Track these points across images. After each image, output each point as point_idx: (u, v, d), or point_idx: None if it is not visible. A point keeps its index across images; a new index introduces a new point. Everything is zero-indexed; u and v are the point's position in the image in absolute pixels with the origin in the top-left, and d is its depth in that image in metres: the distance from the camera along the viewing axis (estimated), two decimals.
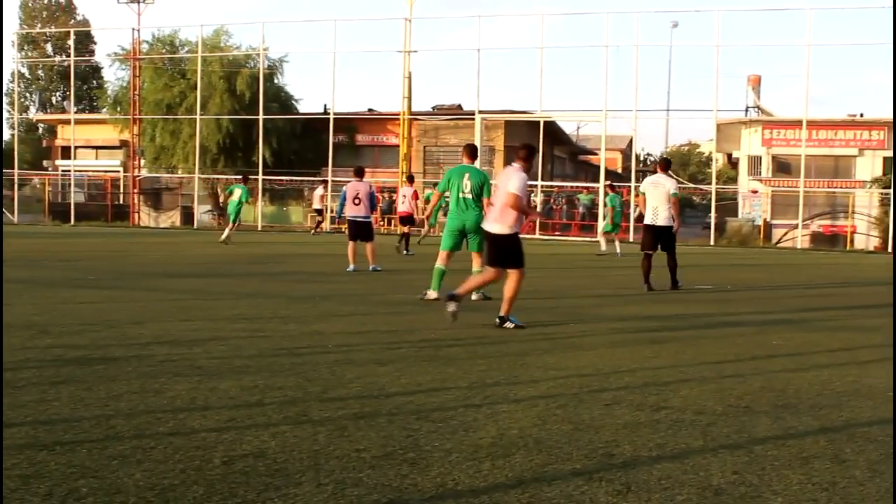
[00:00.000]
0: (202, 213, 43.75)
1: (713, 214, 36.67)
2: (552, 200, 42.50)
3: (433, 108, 45.83)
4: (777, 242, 37.68)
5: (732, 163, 51.24)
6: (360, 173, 17.43)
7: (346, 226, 17.44)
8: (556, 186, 44.49)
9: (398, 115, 40.37)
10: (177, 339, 8.18)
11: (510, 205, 9.37)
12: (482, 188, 11.77)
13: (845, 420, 5.67)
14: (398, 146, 40.81)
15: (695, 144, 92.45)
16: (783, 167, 40.80)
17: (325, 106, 43.12)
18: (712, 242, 35.48)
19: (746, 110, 44.87)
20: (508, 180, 9.51)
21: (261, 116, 40.03)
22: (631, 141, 44.48)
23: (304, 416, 5.36)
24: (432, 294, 11.90)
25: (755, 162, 41.35)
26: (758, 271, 19.54)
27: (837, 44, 45.58)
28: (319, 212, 36.24)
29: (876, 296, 15.21)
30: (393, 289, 13.65)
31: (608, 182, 29.59)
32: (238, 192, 26.29)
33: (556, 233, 38.87)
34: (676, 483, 4.26)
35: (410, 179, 27.37)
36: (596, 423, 5.33)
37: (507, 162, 41.74)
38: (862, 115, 41.64)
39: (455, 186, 11.91)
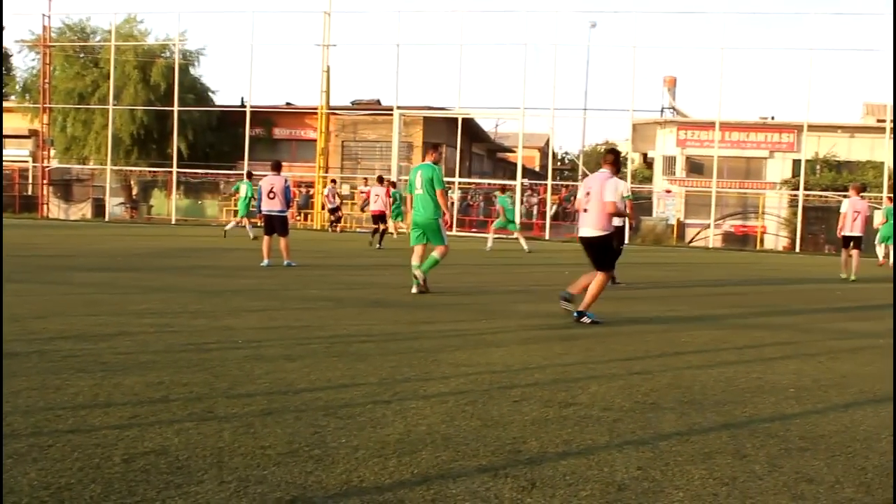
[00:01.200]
0: (114, 205, 42.85)
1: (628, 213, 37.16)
2: (469, 197, 42.64)
3: (352, 103, 45.63)
4: (690, 241, 38.34)
5: (648, 162, 51.99)
6: (276, 167, 17.29)
7: (262, 220, 17.27)
8: (474, 183, 44.65)
9: (316, 109, 40.08)
10: (82, 333, 8.00)
11: (609, 212, 10.20)
12: (432, 182, 12.48)
13: (748, 416, 5.78)
14: (316, 140, 40.53)
15: (611, 144, 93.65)
16: (696, 168, 41.50)
17: (242, 98, 42.66)
18: (626, 241, 35.91)
19: (662, 111, 45.58)
20: (603, 188, 10.12)
21: (175, 108, 39.34)
22: (548, 139, 44.80)
23: (209, 412, 5.29)
24: (415, 289, 12.60)
25: (669, 162, 42.00)
26: (670, 270, 19.86)
27: (750, 48, 46.61)
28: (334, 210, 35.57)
29: (783, 295, 15.58)
30: (306, 284, 13.55)
31: (500, 183, 29.94)
32: (244, 189, 27.13)
33: (473, 229, 38.99)
34: (581, 479, 4.29)
35: (381, 179, 28.25)
36: (504, 420, 5.35)
37: (425, 158, 41.86)
38: (773, 118, 42.56)
39: (412, 185, 12.82)
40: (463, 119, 39.29)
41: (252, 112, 39.48)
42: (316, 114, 40.14)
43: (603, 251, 10.43)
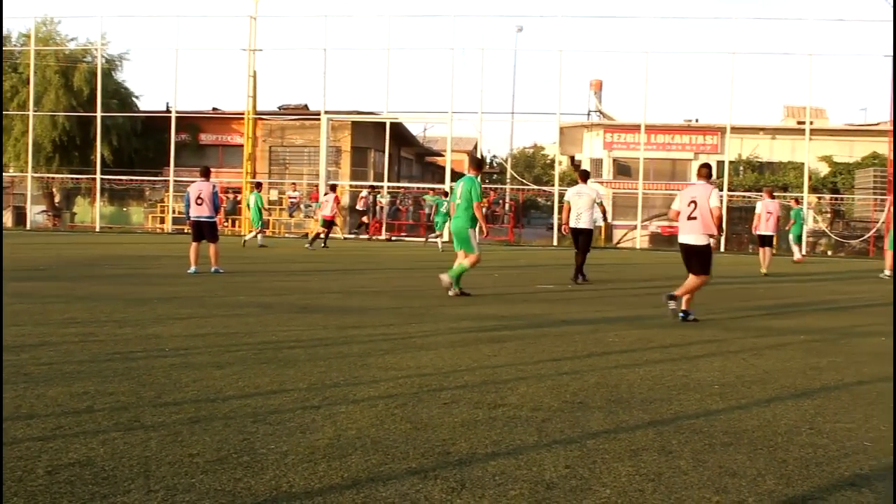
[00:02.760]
0: (35, 213, 41.97)
1: (556, 216, 37.47)
2: (398, 201, 42.62)
3: (279, 108, 45.30)
4: (618, 243, 38.82)
5: (575, 165, 52.48)
6: (205, 173, 17.15)
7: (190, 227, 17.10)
8: (403, 187, 44.65)
9: (243, 114, 39.76)
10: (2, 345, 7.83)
11: (717, 217, 11.04)
12: (470, 193, 13.15)
13: (674, 413, 5.88)
14: (243, 146, 40.20)
15: (539, 147, 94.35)
16: (623, 170, 42.03)
17: (168, 104, 42.11)
18: (555, 243, 36.26)
19: (588, 114, 46.05)
20: (708, 196, 10.97)
21: (98, 113, 38.70)
22: (477, 143, 44.96)
23: (136, 421, 5.22)
24: (453, 290, 13.31)
25: (597, 164, 42.46)
26: (598, 271, 20.02)
27: (675, 51, 47.39)
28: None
29: (707, 294, 15.83)
30: (234, 291, 13.42)
31: (430, 188, 30.31)
32: (253, 199, 28.30)
33: (403, 233, 39.00)
34: (510, 478, 4.33)
35: (333, 187, 30.02)
36: (434, 422, 5.37)
37: (354, 163, 41.75)
38: (697, 121, 43.27)
39: (454, 195, 13.59)
40: (391, 123, 39.32)
41: (177, 117, 39.03)
42: (243, 119, 39.81)
43: (705, 257, 11.25)
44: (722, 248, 35.50)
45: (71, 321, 9.46)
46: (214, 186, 17.02)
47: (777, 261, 22.62)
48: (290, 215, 40.60)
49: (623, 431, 5.33)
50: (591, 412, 5.80)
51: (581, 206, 16.66)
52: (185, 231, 38.46)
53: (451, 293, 13.22)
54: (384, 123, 39.12)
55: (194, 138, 43.46)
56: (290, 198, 40.86)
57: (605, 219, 16.80)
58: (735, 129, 37.79)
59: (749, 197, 35.91)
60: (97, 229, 38.54)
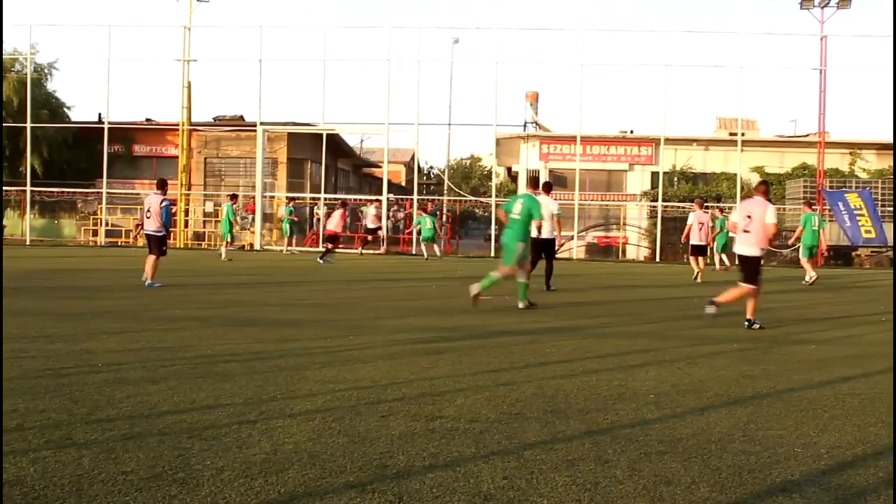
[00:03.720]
0: None
1: (493, 227, 37.63)
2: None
3: (214, 119, 44.94)
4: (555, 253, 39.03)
5: (512, 176, 52.75)
6: (160, 186, 17.24)
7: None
8: (340, 199, 44.48)
9: (177, 125, 39.35)
10: None
11: (771, 234, 11.93)
12: (530, 211, 13.79)
13: (610, 422, 5.93)
14: (178, 157, 39.78)
15: (476, 158, 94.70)
16: (560, 181, 42.32)
17: (100, 114, 41.49)
18: (493, 254, 36.37)
19: (525, 125, 46.32)
20: (764, 212, 11.79)
21: (28, 124, 37.99)
22: (414, 154, 45.04)
23: (68, 439, 5.13)
24: (521, 304, 13.76)
25: (533, 175, 42.70)
26: (535, 282, 20.13)
27: (609, 63, 47.82)
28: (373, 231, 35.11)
29: (643, 304, 16.02)
30: (169, 304, 13.25)
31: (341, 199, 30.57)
32: (225, 211, 28.49)
33: (341, 245, 38.83)
34: (448, 491, 4.33)
35: (343, 203, 31.02)
36: (371, 435, 5.36)
37: (291, 175, 41.53)
38: (632, 132, 43.77)
39: (509, 207, 14.13)
40: (328, 135, 39.21)
41: (110, 128, 38.49)
42: (177, 130, 39.41)
43: (753, 267, 11.96)
44: (657, 259, 35.94)
45: None
46: (164, 200, 16.85)
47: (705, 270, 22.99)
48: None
49: (560, 442, 5.36)
50: (528, 423, 5.83)
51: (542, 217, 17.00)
52: (120, 244, 38.08)
53: (520, 306, 13.73)
54: (321, 135, 39.00)
55: (128, 150, 42.92)
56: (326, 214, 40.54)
57: (558, 231, 17.46)
58: (669, 141, 38.30)
59: (683, 207, 36.34)
60: (27, 242, 37.82)
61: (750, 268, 11.99)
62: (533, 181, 16.08)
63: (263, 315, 12.21)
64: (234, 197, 30.22)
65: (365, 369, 7.78)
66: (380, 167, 44.87)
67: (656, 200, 37.42)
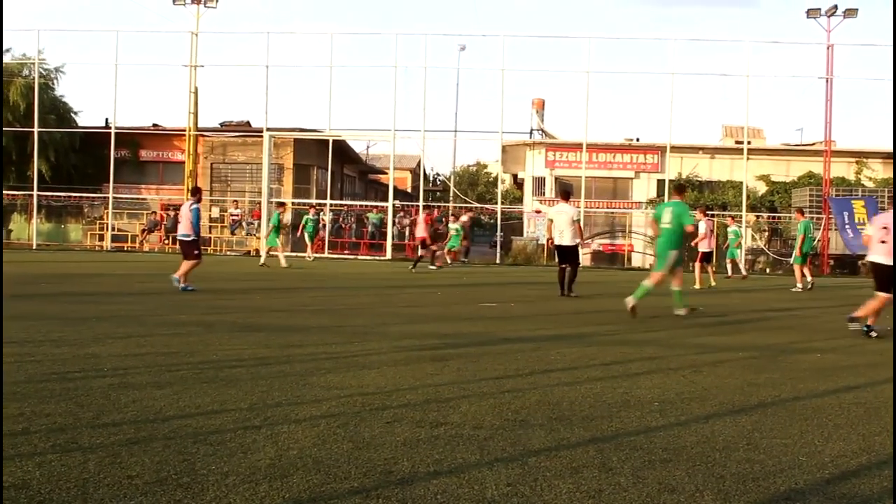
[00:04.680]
0: None
1: (499, 233, 37.69)
2: (341, 219, 42.52)
3: (221, 125, 45.01)
4: None
5: (518, 183, 52.74)
6: (192, 193, 17.86)
7: None
8: (346, 205, 44.58)
9: (184, 130, 39.45)
10: None
11: None
12: (681, 218, 14.14)
13: (614, 430, 5.93)
14: (184, 163, 39.87)
15: (482, 165, 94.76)
16: (560, 188, 42.34)
17: (107, 119, 41.55)
18: (498, 261, 36.43)
19: (531, 133, 46.33)
20: None
21: (36, 129, 38.06)
22: (420, 160, 45.12)
23: (73, 443, 5.14)
24: (680, 311, 14.26)
25: (539, 183, 42.74)
26: (542, 288, 20.17)
27: (615, 71, 48.08)
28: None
29: (647, 310, 16.01)
30: (175, 309, 13.28)
31: (372, 205, 30.42)
32: (273, 218, 28.28)
33: (346, 251, 38.88)
34: (452, 497, 4.34)
35: (427, 208, 31.43)
36: (376, 441, 5.36)
37: (297, 181, 41.59)
38: (638, 140, 43.78)
39: (659, 217, 14.52)
40: (334, 141, 39.25)
41: (117, 133, 38.55)
42: (184, 135, 39.50)
43: (887, 276, 12.09)
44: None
45: (6, 341, 9.25)
46: (193, 204, 17.32)
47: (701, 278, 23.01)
48: (232, 233, 40.28)
49: (564, 449, 5.37)
50: (532, 430, 5.83)
51: (562, 224, 17.93)
52: (126, 249, 38.09)
53: (680, 313, 14.19)
54: (327, 141, 39.04)
55: (134, 154, 42.99)
56: (231, 215, 40.56)
57: (580, 237, 17.97)
58: (675, 149, 38.30)
59: (690, 215, 36.29)
60: (34, 247, 37.87)
61: (884, 277, 12.20)
62: (679, 188, 16.11)
63: (269, 320, 12.24)
64: (281, 204, 30.06)
65: (370, 375, 7.80)
66: (386, 173, 44.88)
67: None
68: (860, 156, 41.11)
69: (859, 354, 10.55)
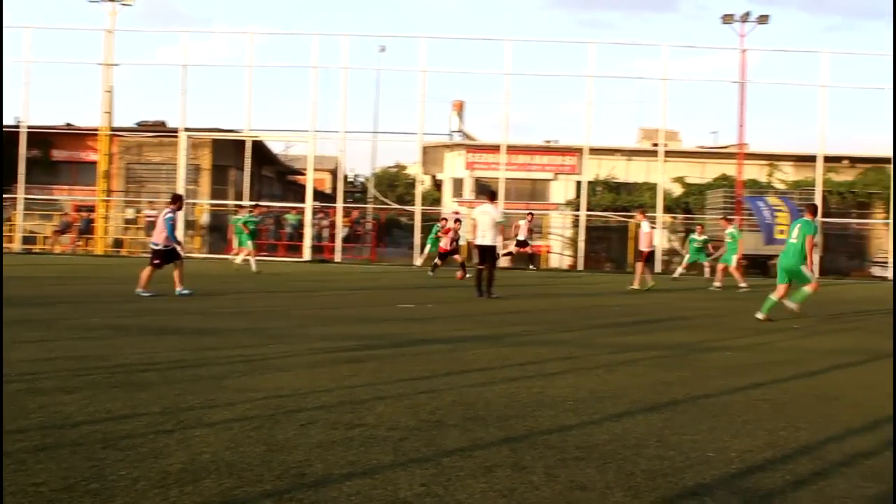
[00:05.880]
0: None
1: (418, 235, 37.66)
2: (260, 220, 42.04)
3: (136, 124, 44.22)
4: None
5: (437, 184, 52.84)
6: (172, 200, 17.24)
7: None
8: (265, 206, 44.13)
9: (98, 130, 38.67)
10: None
11: None
12: (806, 234, 14.56)
13: (528, 429, 5.99)
14: (98, 163, 39.08)
15: (402, 166, 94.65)
16: (484, 189, 42.52)
17: (17, 118, 40.54)
18: (417, 262, 36.42)
19: (451, 134, 46.44)
20: None
21: None
22: (339, 162, 44.88)
23: None
24: (761, 315, 14.62)
25: (458, 184, 42.87)
26: (459, 290, 20.22)
27: (535, 74, 48.16)
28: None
29: (564, 312, 16.18)
30: (87, 313, 13.04)
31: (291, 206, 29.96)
32: (243, 220, 26.84)
33: (264, 253, 38.50)
34: (366, 498, 4.34)
35: (457, 220, 29.30)
36: (290, 444, 5.34)
37: (214, 182, 41.02)
38: (557, 142, 44.16)
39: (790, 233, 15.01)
40: (252, 141, 38.86)
41: (28, 132, 37.65)
42: (98, 135, 38.73)
43: None
44: (580, 267, 36.26)
45: None
46: (168, 213, 16.81)
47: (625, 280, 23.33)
48: (148, 234, 39.58)
49: (478, 448, 5.40)
50: (447, 430, 5.85)
51: (485, 225, 18.09)
52: (36, 251, 37.20)
53: (759, 316, 14.59)
54: (245, 141, 38.65)
55: (46, 155, 41.97)
56: (146, 216, 39.89)
57: (501, 238, 18.31)
58: (593, 151, 38.70)
59: (606, 216, 36.77)
60: None
61: None
62: (812, 209, 15.55)
63: (184, 323, 12.09)
64: (256, 206, 28.99)
65: (285, 378, 7.75)
66: (304, 174, 44.56)
67: (579, 209, 37.80)
68: (772, 158, 42.07)
69: (767, 353, 10.82)
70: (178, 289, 16.21)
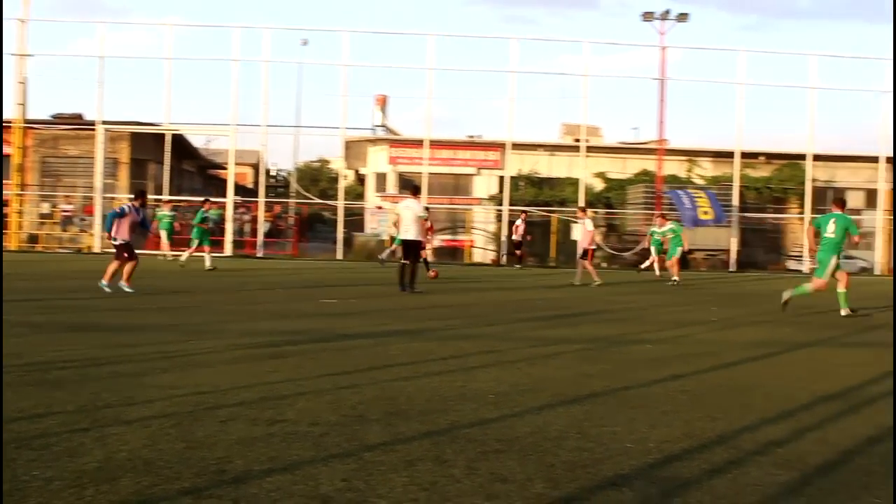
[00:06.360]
0: None
1: (341, 230, 37.52)
2: (179, 215, 41.48)
3: (52, 117, 43.29)
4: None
5: (360, 179, 52.70)
6: (136, 196, 17.09)
7: None
8: (184, 201, 43.56)
9: (11, 122, 37.75)
10: None
11: None
12: (846, 230, 14.81)
13: (450, 423, 6.00)
14: (11, 156, 38.14)
15: (325, 160, 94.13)
16: (407, 184, 42.54)
17: None
18: (340, 257, 36.32)
19: (374, 129, 46.35)
20: None
21: None
22: (261, 156, 44.45)
23: None
24: (844, 311, 14.87)
25: (381, 179, 42.83)
26: (381, 285, 20.18)
27: (457, 69, 48.03)
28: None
29: (487, 306, 16.27)
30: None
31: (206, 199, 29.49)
32: (197, 216, 26.59)
33: (184, 248, 37.96)
34: (286, 494, 4.31)
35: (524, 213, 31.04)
36: (209, 441, 5.27)
37: (133, 176, 40.35)
38: (480, 137, 44.36)
39: (822, 227, 15.09)
40: (172, 135, 38.32)
41: None
42: (11, 128, 37.80)
43: None
44: (503, 262, 36.43)
45: None
46: (116, 208, 16.75)
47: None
48: (64, 229, 38.84)
49: (400, 443, 5.40)
50: (369, 425, 5.84)
51: (409, 219, 18.29)
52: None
53: (843, 314, 14.79)
54: (164, 135, 38.09)
55: None
56: (63, 211, 39.11)
57: (427, 233, 18.48)
58: (516, 146, 38.98)
59: (528, 211, 36.96)
60: None
61: None
62: (840, 202, 15.58)
63: (101, 320, 11.87)
64: (206, 201, 28.29)
65: (205, 374, 7.66)
66: (225, 169, 44.05)
67: (502, 204, 38.02)
68: (691, 154, 42.81)
69: (687, 345, 11.01)
70: (123, 283, 15.95)
